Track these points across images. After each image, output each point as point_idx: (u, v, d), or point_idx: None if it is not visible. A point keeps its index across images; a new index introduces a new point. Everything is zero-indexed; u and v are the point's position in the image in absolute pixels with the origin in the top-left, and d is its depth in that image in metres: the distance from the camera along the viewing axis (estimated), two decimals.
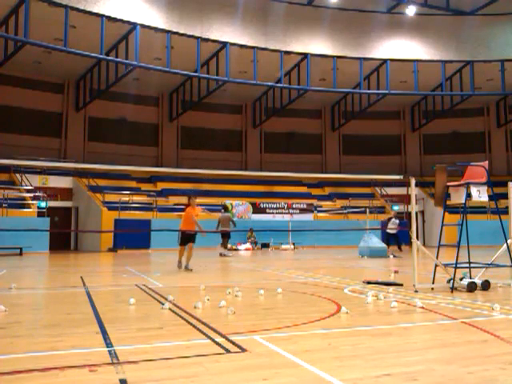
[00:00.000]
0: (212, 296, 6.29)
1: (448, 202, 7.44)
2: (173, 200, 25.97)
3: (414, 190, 7.18)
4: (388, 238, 17.95)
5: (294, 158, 31.98)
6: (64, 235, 25.05)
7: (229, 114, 31.35)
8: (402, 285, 7.59)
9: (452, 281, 6.85)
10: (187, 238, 11.38)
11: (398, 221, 18.47)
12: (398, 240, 18.83)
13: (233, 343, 3.78)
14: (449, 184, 7.27)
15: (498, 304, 5.31)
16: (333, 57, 25.45)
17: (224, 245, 18.30)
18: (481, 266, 7.43)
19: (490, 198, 8.32)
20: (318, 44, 25.70)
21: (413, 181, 7.23)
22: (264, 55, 24.38)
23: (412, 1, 25.37)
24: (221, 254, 17.82)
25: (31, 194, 22.72)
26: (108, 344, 3.80)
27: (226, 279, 9.15)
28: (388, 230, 18.08)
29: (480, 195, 6.98)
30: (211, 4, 23.68)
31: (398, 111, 33.50)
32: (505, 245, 7.17)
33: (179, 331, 4.33)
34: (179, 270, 11.06)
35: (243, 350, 3.58)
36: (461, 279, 7.09)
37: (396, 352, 3.54)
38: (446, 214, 7.53)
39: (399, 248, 18.95)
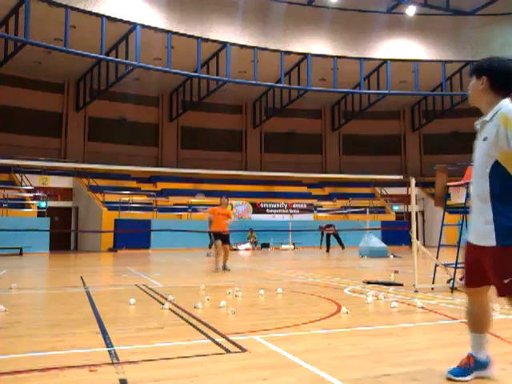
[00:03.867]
0: (212, 296, 6.29)
1: (448, 202, 7.44)
2: (173, 200, 25.96)
3: (413, 190, 7.18)
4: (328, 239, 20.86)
5: (294, 157, 31.96)
6: (64, 235, 25.05)
7: (229, 114, 31.34)
8: (402, 285, 7.59)
9: (452, 281, 6.84)
10: (222, 238, 11.01)
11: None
12: (329, 240, 20.99)
13: (233, 343, 3.78)
14: (449, 184, 7.26)
15: (497, 304, 5.29)
16: (333, 57, 25.44)
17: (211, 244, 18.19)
18: None
19: None
20: (317, 44, 25.69)
21: (413, 181, 7.22)
22: (264, 55, 24.37)
23: (412, 1, 25.35)
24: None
25: (31, 194, 22.71)
26: (108, 344, 3.80)
27: (226, 279, 9.14)
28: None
29: None
30: (211, 4, 23.67)
31: (398, 111, 33.48)
32: None
33: (179, 331, 4.32)
34: (218, 271, 10.70)
35: (243, 350, 3.58)
36: (461, 279, 7.07)
37: (396, 352, 3.54)
38: (446, 213, 7.53)
39: (327, 249, 20.74)
